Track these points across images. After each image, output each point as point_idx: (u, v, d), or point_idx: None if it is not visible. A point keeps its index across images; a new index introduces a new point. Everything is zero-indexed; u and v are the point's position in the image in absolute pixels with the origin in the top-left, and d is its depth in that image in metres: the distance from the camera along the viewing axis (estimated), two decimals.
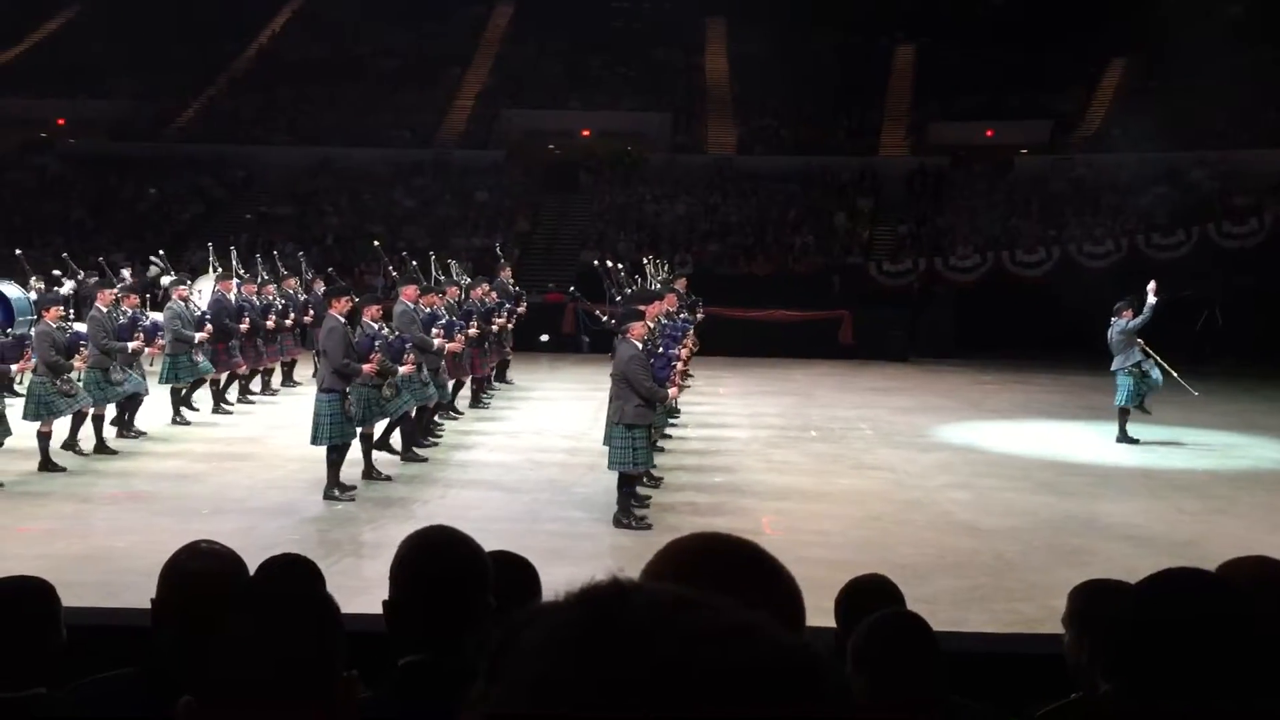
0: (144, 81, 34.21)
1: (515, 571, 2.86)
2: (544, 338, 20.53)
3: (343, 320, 10.69)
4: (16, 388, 13.09)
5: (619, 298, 14.32)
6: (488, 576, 2.31)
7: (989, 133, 32.06)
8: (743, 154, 32.13)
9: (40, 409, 11.14)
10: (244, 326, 14.95)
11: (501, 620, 0.74)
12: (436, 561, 2.30)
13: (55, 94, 33.55)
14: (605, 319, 11.92)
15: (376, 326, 11.06)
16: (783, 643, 0.69)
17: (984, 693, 3.20)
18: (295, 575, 3.27)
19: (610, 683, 0.65)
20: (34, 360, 11.02)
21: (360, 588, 6.37)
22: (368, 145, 32.13)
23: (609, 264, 16.62)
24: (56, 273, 18.55)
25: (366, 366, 10.61)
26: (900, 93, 34.83)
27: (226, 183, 31.39)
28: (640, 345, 9.66)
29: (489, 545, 2.47)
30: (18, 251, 18.51)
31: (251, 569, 2.95)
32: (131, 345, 12.33)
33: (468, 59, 36.96)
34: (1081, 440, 14.17)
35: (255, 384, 16.11)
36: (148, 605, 2.74)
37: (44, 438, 11.22)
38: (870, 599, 3.26)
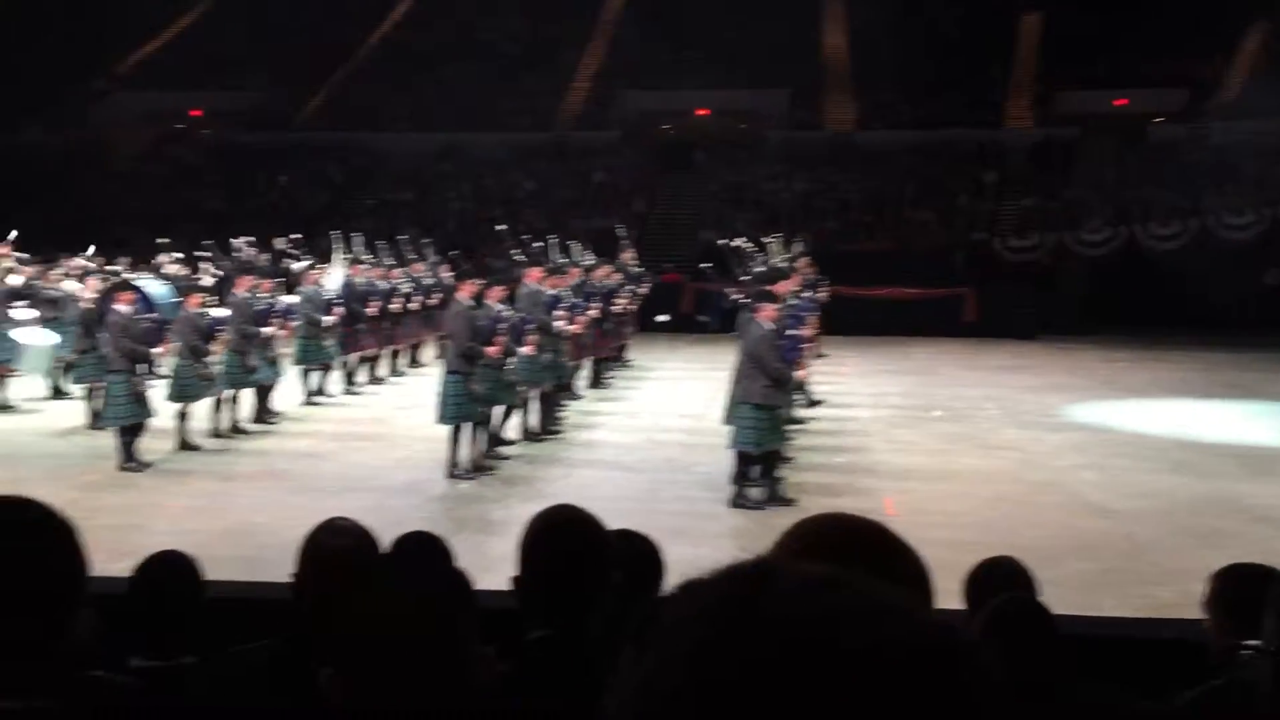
0: (274, 72, 35.22)
1: (639, 549, 2.89)
2: (663, 318, 20.57)
3: (469, 304, 10.87)
4: (158, 369, 13.64)
5: (746, 276, 14.24)
6: (612, 554, 2.36)
7: (1120, 101, 30.91)
8: (863, 129, 31.62)
9: (184, 391, 11.61)
10: (371, 310, 15.34)
11: (637, 596, 0.75)
12: (563, 539, 2.35)
13: (190, 87, 34.78)
14: (739, 297, 11.88)
15: (499, 309, 11.22)
16: (930, 624, 0.69)
17: (1117, 676, 3.13)
18: (427, 551, 3.37)
19: (757, 659, 0.65)
20: (175, 344, 11.46)
21: (486, 564, 6.49)
22: (488, 130, 32.56)
23: (734, 243, 16.51)
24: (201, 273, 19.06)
25: (491, 350, 10.77)
26: (1025, 62, 33.79)
27: (350, 170, 32.17)
28: (772, 326, 9.62)
29: (612, 524, 2.50)
30: (159, 241, 19.28)
31: (382, 545, 3.04)
32: (266, 330, 12.74)
33: (584, 41, 37.11)
34: (1221, 419, 13.66)
35: (383, 366, 16.50)
36: (286, 579, 2.85)
37: (183, 418, 11.69)
38: (1000, 582, 3.21)
